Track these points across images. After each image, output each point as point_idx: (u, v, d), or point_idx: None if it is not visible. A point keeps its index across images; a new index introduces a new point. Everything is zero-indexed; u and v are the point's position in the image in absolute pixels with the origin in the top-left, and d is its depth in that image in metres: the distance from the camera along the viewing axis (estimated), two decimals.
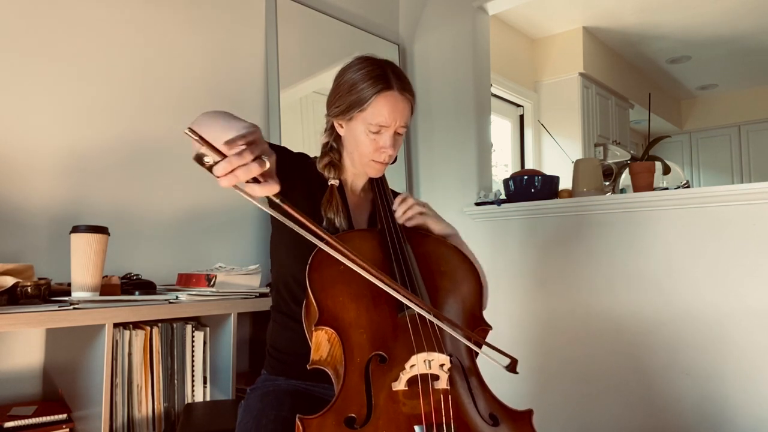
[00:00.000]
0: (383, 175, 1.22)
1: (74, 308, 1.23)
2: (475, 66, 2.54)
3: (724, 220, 1.78)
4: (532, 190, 2.22)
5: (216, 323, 1.63)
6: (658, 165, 2.06)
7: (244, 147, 0.72)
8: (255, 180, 0.74)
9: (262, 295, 1.64)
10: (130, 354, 1.41)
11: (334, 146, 1.18)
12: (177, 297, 1.48)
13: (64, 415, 1.37)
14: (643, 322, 1.92)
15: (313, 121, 2.29)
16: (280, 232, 1.13)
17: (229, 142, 0.72)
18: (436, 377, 0.87)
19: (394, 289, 0.89)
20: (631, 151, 4.25)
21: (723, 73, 5.16)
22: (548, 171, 2.73)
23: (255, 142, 0.74)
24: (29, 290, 1.29)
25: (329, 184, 1.15)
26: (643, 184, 1.99)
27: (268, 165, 0.74)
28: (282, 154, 1.12)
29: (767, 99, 5.46)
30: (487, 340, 1.01)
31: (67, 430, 1.36)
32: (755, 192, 1.70)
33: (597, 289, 2.04)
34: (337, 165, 1.16)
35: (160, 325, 1.48)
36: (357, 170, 1.17)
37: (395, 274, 1.00)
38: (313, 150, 1.23)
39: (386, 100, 1.05)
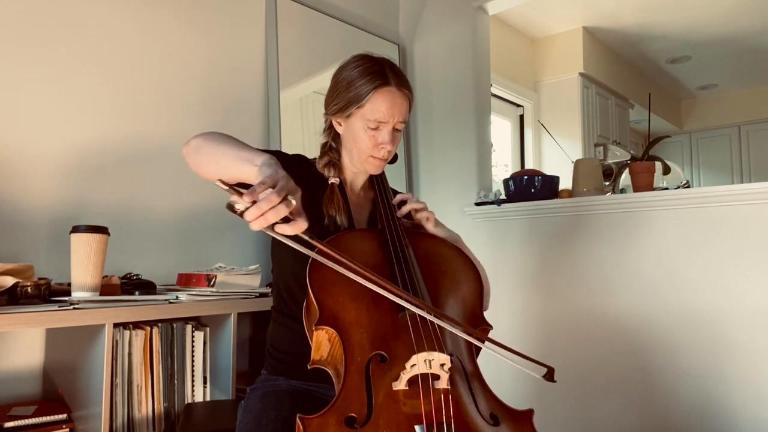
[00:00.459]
0: (383, 174, 1.22)
1: (74, 308, 1.23)
2: (475, 66, 2.54)
3: (724, 220, 1.77)
4: (532, 190, 2.22)
5: (216, 323, 1.63)
6: (658, 165, 2.06)
7: (270, 191, 0.75)
8: (285, 219, 0.78)
9: (262, 295, 1.64)
10: (130, 354, 1.41)
11: (333, 145, 1.18)
12: (177, 297, 1.48)
13: (64, 415, 1.36)
14: (643, 322, 1.92)
15: (313, 121, 2.29)
16: None
17: (256, 188, 0.76)
18: (436, 377, 0.87)
19: (399, 296, 0.89)
20: (631, 151, 4.25)
21: (723, 73, 5.16)
22: (548, 171, 2.73)
23: (279, 182, 0.78)
24: (29, 290, 1.29)
25: (330, 182, 1.15)
26: (643, 184, 1.99)
27: (294, 204, 0.78)
28: (278, 158, 1.12)
29: (767, 99, 5.46)
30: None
31: (67, 430, 1.36)
32: (755, 192, 1.70)
33: (597, 289, 2.04)
34: (336, 164, 1.17)
35: (160, 325, 1.48)
36: (356, 169, 1.17)
37: (396, 274, 1.00)
38: (314, 150, 1.23)
39: (384, 96, 1.06)
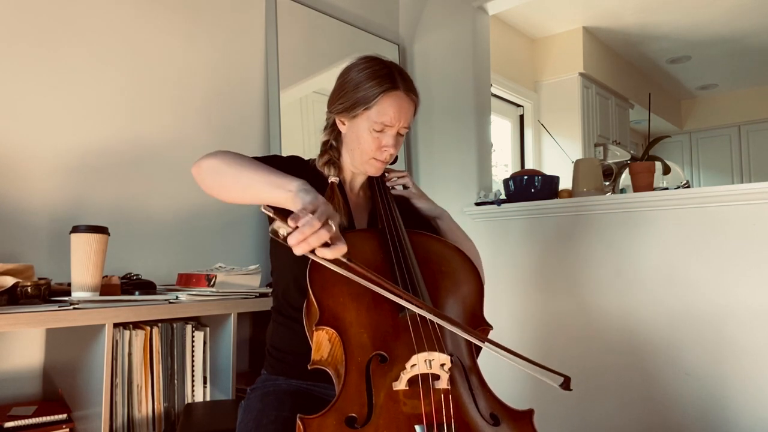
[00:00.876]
0: (383, 175, 1.22)
1: (74, 308, 1.23)
2: (475, 66, 2.54)
3: (724, 220, 1.77)
4: (532, 190, 2.22)
5: (216, 323, 1.63)
6: (658, 165, 2.06)
7: (311, 216, 0.79)
8: (325, 244, 0.81)
9: (262, 295, 1.64)
10: (130, 354, 1.41)
11: (333, 144, 1.19)
12: (177, 297, 1.48)
13: (64, 415, 1.36)
14: (643, 322, 1.92)
15: (313, 121, 2.29)
16: None
17: (299, 213, 0.79)
18: (436, 377, 0.87)
19: (399, 296, 0.89)
20: (631, 151, 4.25)
21: (723, 73, 5.16)
22: (548, 171, 2.73)
23: (319, 207, 0.81)
24: (29, 290, 1.29)
25: (329, 181, 1.15)
26: (643, 184, 1.99)
27: (334, 228, 0.81)
28: (275, 162, 1.12)
29: (767, 99, 5.46)
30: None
31: (67, 430, 1.36)
32: (755, 192, 1.70)
33: (597, 289, 2.04)
34: (336, 163, 1.17)
35: (160, 325, 1.48)
36: (356, 169, 1.17)
37: (396, 274, 1.00)
38: (313, 150, 1.23)
39: (392, 100, 1.07)
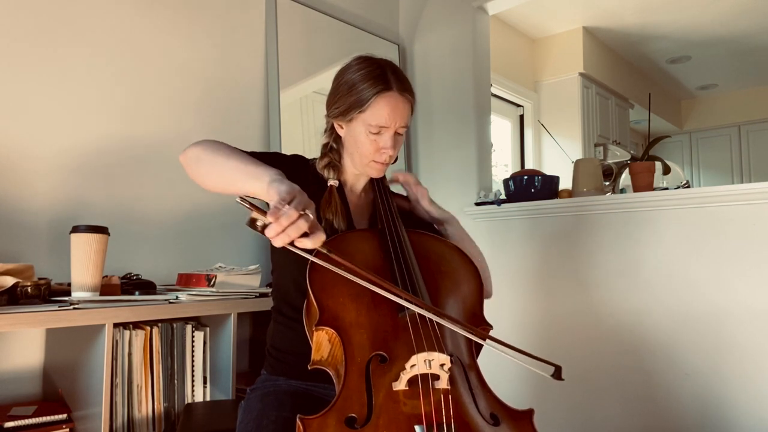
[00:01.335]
0: (384, 176, 1.22)
1: (74, 308, 1.23)
2: (475, 66, 2.54)
3: (724, 220, 1.77)
4: (532, 190, 2.22)
5: (216, 323, 1.63)
6: (658, 165, 2.06)
7: (288, 206, 0.78)
8: (304, 234, 0.80)
9: (262, 295, 1.64)
10: (130, 354, 1.41)
11: (334, 147, 1.18)
12: (177, 297, 1.48)
13: (64, 415, 1.36)
14: (643, 322, 1.92)
15: (313, 121, 2.29)
16: None
17: (276, 204, 0.78)
18: (436, 377, 0.87)
19: (399, 296, 0.89)
20: (631, 151, 4.25)
21: (723, 73, 5.16)
22: (548, 171, 2.73)
23: (295, 197, 0.80)
24: (29, 290, 1.29)
25: (328, 184, 1.14)
26: (643, 184, 1.99)
27: (312, 217, 0.80)
28: (276, 160, 1.11)
29: (767, 99, 5.46)
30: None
31: (67, 430, 1.36)
32: (755, 192, 1.70)
33: (597, 289, 2.04)
34: (337, 166, 1.16)
35: (160, 325, 1.48)
36: (357, 171, 1.17)
37: (395, 274, 1.00)
38: (314, 150, 1.23)
39: (386, 101, 1.05)
